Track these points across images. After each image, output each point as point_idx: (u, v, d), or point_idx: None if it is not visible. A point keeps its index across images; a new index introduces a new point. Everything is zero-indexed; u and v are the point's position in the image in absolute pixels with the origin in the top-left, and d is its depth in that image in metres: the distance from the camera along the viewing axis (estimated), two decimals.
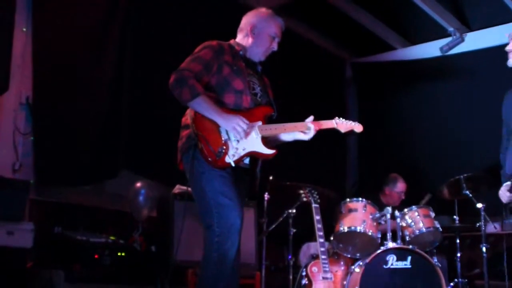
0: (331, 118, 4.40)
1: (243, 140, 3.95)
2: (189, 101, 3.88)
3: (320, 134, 4.30)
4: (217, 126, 3.92)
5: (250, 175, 4.16)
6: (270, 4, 7.32)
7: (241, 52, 4.24)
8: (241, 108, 4.03)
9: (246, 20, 4.35)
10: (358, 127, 4.45)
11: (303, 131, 4.21)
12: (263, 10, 4.39)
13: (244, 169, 4.07)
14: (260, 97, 4.21)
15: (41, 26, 5.95)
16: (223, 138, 3.91)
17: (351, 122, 4.43)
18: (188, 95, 3.86)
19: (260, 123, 4.06)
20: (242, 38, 4.33)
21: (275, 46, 4.31)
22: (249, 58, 4.28)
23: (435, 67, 8.52)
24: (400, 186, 7.18)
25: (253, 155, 4.02)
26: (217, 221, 3.81)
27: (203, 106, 3.89)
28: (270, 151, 4.03)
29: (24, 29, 5.91)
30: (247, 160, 4.04)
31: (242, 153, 3.95)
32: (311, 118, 4.25)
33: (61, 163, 5.97)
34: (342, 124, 4.40)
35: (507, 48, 4.83)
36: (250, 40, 4.28)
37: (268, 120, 4.15)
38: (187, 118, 4.01)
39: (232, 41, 4.32)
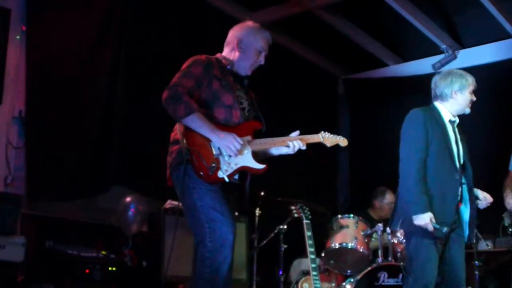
0: None
1: (235, 156, 3.95)
2: (184, 118, 3.85)
3: (311, 149, 4.30)
4: (209, 142, 3.90)
5: (239, 191, 4.14)
6: (263, 20, 7.36)
7: (228, 67, 4.22)
8: (231, 123, 4.02)
9: (233, 34, 4.32)
10: (343, 141, 4.40)
11: (288, 145, 4.17)
12: (249, 23, 4.34)
13: (234, 185, 4.06)
14: (248, 112, 4.20)
15: (35, 39, 5.95)
16: (214, 153, 3.90)
17: (336, 136, 4.40)
18: (183, 111, 3.84)
19: (249, 137, 4.04)
20: (228, 52, 4.30)
21: (262, 60, 4.28)
22: (236, 72, 4.25)
23: (428, 84, 8.49)
24: (389, 197, 7.17)
25: (243, 170, 4.02)
26: (209, 236, 3.79)
27: (197, 123, 3.87)
28: (261, 166, 4.01)
29: (18, 37, 5.91)
30: (236, 176, 4.02)
31: (235, 167, 3.93)
32: (297, 132, 4.22)
33: (54, 177, 5.97)
34: (328, 139, 4.35)
35: None
36: (236, 54, 4.25)
37: (257, 135, 4.13)
38: (176, 133, 3.98)
39: (218, 55, 4.29)
